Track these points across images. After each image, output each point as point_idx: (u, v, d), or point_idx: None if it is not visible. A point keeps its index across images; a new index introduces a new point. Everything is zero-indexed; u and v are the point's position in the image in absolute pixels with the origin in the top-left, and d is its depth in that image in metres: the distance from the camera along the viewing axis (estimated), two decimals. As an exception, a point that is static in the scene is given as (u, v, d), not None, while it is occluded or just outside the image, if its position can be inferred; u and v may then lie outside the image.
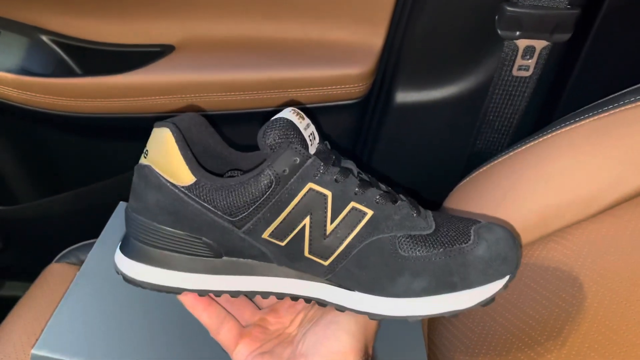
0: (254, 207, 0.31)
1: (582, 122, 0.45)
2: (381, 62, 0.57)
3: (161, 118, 0.34)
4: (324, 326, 0.33)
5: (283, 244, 0.32)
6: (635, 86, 0.44)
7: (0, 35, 0.55)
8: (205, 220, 0.31)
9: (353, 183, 0.32)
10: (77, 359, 0.37)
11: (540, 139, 0.47)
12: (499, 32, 0.52)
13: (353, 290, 0.33)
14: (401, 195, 0.34)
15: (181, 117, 0.33)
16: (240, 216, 0.31)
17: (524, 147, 0.48)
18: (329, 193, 0.31)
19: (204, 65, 0.54)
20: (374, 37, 0.55)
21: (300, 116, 0.32)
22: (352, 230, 0.31)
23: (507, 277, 0.32)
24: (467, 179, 0.53)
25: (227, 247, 0.33)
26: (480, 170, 0.52)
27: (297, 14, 0.54)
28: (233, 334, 0.35)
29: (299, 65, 0.55)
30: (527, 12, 0.50)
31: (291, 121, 0.31)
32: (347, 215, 0.31)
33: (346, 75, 0.55)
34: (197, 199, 0.31)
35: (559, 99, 0.59)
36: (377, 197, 0.32)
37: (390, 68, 0.58)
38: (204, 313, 0.35)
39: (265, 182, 0.30)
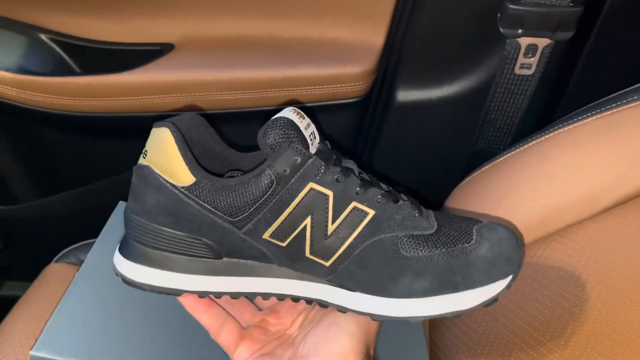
0: (254, 207, 0.30)
1: (585, 120, 0.45)
2: (382, 60, 0.57)
3: (161, 117, 0.33)
4: (325, 327, 0.33)
5: (284, 244, 0.32)
6: (638, 84, 0.44)
7: (-1, 34, 0.55)
8: (206, 221, 0.31)
9: (354, 183, 0.32)
10: (76, 360, 0.37)
11: (543, 138, 0.47)
12: (501, 30, 0.52)
13: (355, 291, 0.33)
14: (402, 195, 0.34)
15: (181, 117, 0.33)
16: (241, 217, 0.31)
17: (526, 146, 0.48)
18: (330, 193, 0.31)
19: (203, 64, 0.54)
20: (374, 35, 0.55)
21: (300, 115, 0.32)
22: (353, 231, 0.31)
23: (510, 277, 0.32)
24: (469, 178, 0.53)
25: (227, 248, 0.32)
26: (482, 169, 0.52)
27: (297, 12, 0.54)
28: (233, 335, 0.35)
29: (299, 63, 0.54)
30: (529, 10, 0.50)
31: (292, 120, 0.31)
32: (348, 215, 0.31)
33: (347, 73, 0.54)
34: (197, 200, 0.31)
35: (562, 97, 0.58)
36: (379, 196, 0.32)
37: (391, 66, 0.58)
38: (204, 315, 0.35)
39: (266, 182, 0.30)
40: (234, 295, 0.34)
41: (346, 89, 0.56)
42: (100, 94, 0.54)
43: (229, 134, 0.46)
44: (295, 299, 0.34)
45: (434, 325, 0.48)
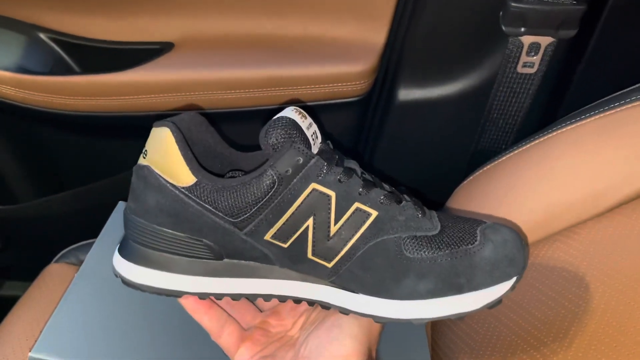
0: (256, 208, 0.30)
1: (588, 119, 0.45)
2: (383, 59, 0.56)
3: (161, 116, 0.33)
4: (327, 329, 0.33)
5: (286, 245, 0.31)
6: (641, 83, 0.44)
7: (-2, 33, 0.54)
8: (206, 221, 0.31)
9: (357, 183, 0.31)
10: (75, 362, 0.36)
11: (545, 137, 0.47)
12: (504, 28, 0.52)
13: (357, 292, 0.32)
14: (405, 196, 0.33)
15: (181, 117, 0.33)
16: (242, 217, 0.30)
17: (528, 145, 0.48)
18: (332, 193, 0.30)
19: (203, 62, 0.54)
20: (376, 34, 0.55)
21: (302, 115, 0.31)
22: (356, 232, 0.31)
23: (514, 279, 0.32)
24: (471, 177, 0.53)
25: (228, 249, 0.32)
26: (484, 168, 0.51)
27: (298, 10, 0.54)
28: (234, 337, 0.35)
29: (300, 62, 0.54)
30: (532, 8, 0.50)
31: (293, 120, 0.30)
32: (351, 216, 0.31)
33: (348, 72, 0.54)
34: (197, 200, 0.31)
35: (564, 96, 0.58)
36: (382, 197, 0.32)
37: (393, 65, 0.58)
38: (205, 316, 0.35)
39: (268, 182, 0.30)
40: (235, 297, 0.34)
41: (347, 88, 0.55)
42: (99, 93, 0.54)
43: (229, 134, 0.46)
44: (297, 301, 0.34)
45: (435, 326, 0.47)
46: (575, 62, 0.56)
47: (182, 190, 0.31)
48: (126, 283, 0.33)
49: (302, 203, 0.30)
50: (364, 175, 0.33)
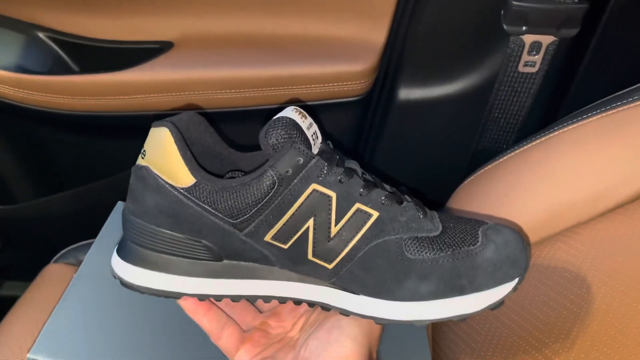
0: (256, 209, 0.30)
1: (590, 119, 0.45)
2: (384, 58, 0.56)
3: (160, 116, 0.33)
4: (327, 331, 0.33)
5: (286, 246, 0.31)
6: (644, 83, 0.44)
7: (-4, 32, 0.54)
8: (206, 222, 0.31)
9: (358, 184, 0.31)
10: (74, 364, 0.36)
11: (546, 137, 0.47)
12: (505, 27, 0.52)
13: (358, 294, 0.32)
14: (406, 196, 0.33)
15: (179, 117, 0.33)
16: (242, 218, 0.30)
17: (529, 145, 0.48)
18: (333, 194, 0.30)
19: (203, 62, 0.54)
20: (376, 33, 0.55)
21: (302, 115, 0.31)
22: (357, 233, 0.31)
23: (517, 280, 0.32)
24: (472, 177, 0.53)
25: (227, 250, 0.32)
26: (485, 168, 0.51)
27: (298, 9, 0.54)
28: (234, 338, 0.35)
29: (300, 62, 0.54)
30: (533, 7, 0.49)
31: (294, 120, 0.30)
32: (352, 216, 0.31)
33: (348, 72, 0.54)
34: (197, 201, 0.30)
35: (566, 95, 0.58)
36: (383, 198, 0.31)
37: (393, 64, 0.57)
38: (204, 318, 0.34)
39: (268, 183, 0.29)
40: (235, 298, 0.33)
41: (347, 87, 0.55)
42: (98, 92, 0.54)
43: (229, 134, 0.46)
44: (297, 302, 0.34)
45: (436, 326, 0.47)
46: (576, 61, 0.56)
47: (181, 190, 0.30)
48: (125, 285, 0.33)
49: (302, 204, 0.30)
50: (364, 176, 0.32)
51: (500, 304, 0.32)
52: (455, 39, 0.55)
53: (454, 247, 0.31)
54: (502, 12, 0.51)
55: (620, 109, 0.43)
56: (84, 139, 0.64)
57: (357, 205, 0.31)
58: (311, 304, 0.34)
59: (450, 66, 0.57)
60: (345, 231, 0.31)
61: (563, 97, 0.58)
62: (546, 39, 0.52)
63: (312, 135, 0.31)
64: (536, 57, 0.54)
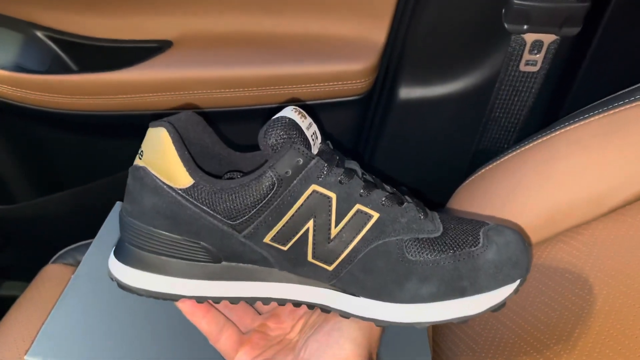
0: (255, 210, 0.30)
1: (591, 119, 0.44)
2: (384, 57, 0.56)
3: (159, 115, 0.33)
4: (327, 333, 0.32)
5: (285, 248, 0.31)
6: (646, 82, 0.43)
7: (-6, 31, 0.54)
8: (204, 224, 0.30)
9: (358, 184, 0.31)
10: (72, 365, 0.36)
11: (548, 137, 0.47)
12: (506, 25, 0.51)
13: (358, 296, 0.32)
14: (407, 197, 0.33)
15: (177, 116, 0.32)
16: (241, 220, 0.30)
17: (531, 145, 0.48)
18: (333, 195, 0.30)
19: (202, 61, 0.54)
20: (376, 32, 0.54)
21: (302, 115, 0.31)
22: (357, 234, 0.30)
23: (518, 282, 0.31)
24: (472, 177, 0.52)
25: (226, 252, 0.32)
26: (486, 168, 0.51)
27: (298, 8, 0.54)
28: (233, 341, 0.35)
29: (300, 60, 0.54)
30: (535, 5, 0.49)
31: (293, 120, 0.30)
32: (352, 218, 0.30)
33: (348, 71, 0.54)
34: (195, 202, 0.30)
35: (567, 95, 0.58)
36: (383, 199, 0.31)
37: (394, 63, 0.57)
38: (203, 320, 0.34)
39: (267, 184, 0.29)
40: (234, 301, 0.33)
41: (348, 86, 0.55)
42: (97, 92, 0.54)
43: (227, 133, 0.45)
44: (297, 304, 0.34)
45: (437, 328, 0.47)
46: (578, 60, 0.55)
47: (179, 192, 0.30)
48: (122, 287, 0.33)
49: (302, 205, 0.30)
50: (364, 176, 0.32)
51: (501, 305, 0.31)
52: (456, 37, 0.55)
53: (455, 249, 0.31)
54: (503, 10, 0.51)
55: (622, 108, 0.43)
56: (83, 139, 0.64)
57: (358, 207, 0.30)
58: (311, 306, 0.34)
59: (451, 65, 0.57)
60: (345, 232, 0.30)
61: (564, 97, 0.58)
62: (548, 38, 0.52)
63: (311, 136, 0.30)
64: (537, 56, 0.53)
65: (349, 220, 0.30)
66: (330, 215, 0.30)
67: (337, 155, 0.32)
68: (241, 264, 0.32)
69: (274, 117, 0.30)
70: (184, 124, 0.32)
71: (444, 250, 0.31)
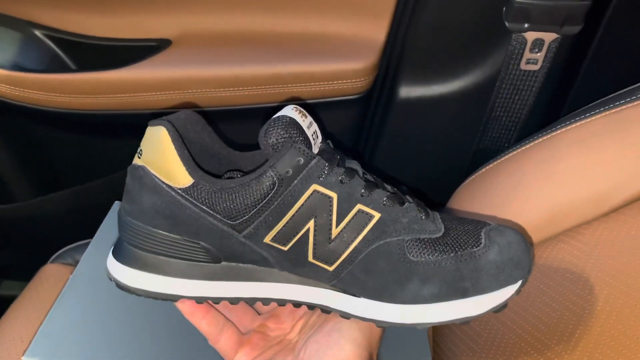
0: (255, 210, 0.29)
1: (592, 117, 0.44)
2: (384, 55, 0.56)
3: (158, 114, 0.32)
4: (327, 334, 0.32)
5: (286, 248, 0.31)
6: (648, 80, 0.43)
7: (-8, 29, 0.54)
8: (204, 224, 0.30)
9: (359, 184, 0.31)
10: (70, 366, 0.36)
11: (549, 136, 0.46)
12: (507, 24, 0.51)
13: (359, 296, 0.32)
14: (408, 197, 0.33)
15: (177, 115, 0.32)
16: (241, 220, 0.30)
17: (531, 144, 0.47)
18: (334, 195, 0.30)
19: (202, 60, 0.54)
20: (376, 30, 0.54)
21: (302, 114, 0.31)
22: (358, 234, 0.30)
23: (520, 282, 0.31)
24: (473, 176, 0.52)
25: (226, 252, 0.31)
26: (487, 167, 0.51)
27: (297, 6, 0.53)
28: (232, 341, 0.35)
29: (300, 59, 0.54)
30: (536, 3, 0.49)
31: (294, 119, 0.30)
32: (353, 218, 0.30)
33: (348, 69, 0.54)
34: (194, 202, 0.30)
35: (568, 93, 0.58)
36: (384, 199, 0.31)
37: (394, 62, 0.57)
38: (202, 321, 0.34)
39: (268, 183, 0.29)
40: (233, 301, 0.33)
41: (348, 85, 0.55)
42: (96, 91, 0.53)
43: (227, 133, 0.45)
44: (297, 305, 0.34)
45: (437, 328, 0.47)
46: (579, 58, 0.55)
47: (179, 191, 0.30)
48: (121, 287, 0.32)
49: (302, 205, 0.29)
50: (365, 176, 0.32)
51: (503, 306, 0.31)
52: (456, 36, 0.55)
53: (456, 249, 0.31)
54: (504, 9, 0.51)
55: (623, 107, 0.43)
56: (82, 138, 0.64)
57: (359, 207, 0.30)
58: (311, 307, 0.33)
59: (452, 64, 0.57)
60: (346, 233, 0.30)
61: (565, 95, 0.58)
62: (549, 37, 0.52)
63: (312, 135, 0.30)
64: (538, 54, 0.53)
65: (350, 221, 0.30)
66: (331, 215, 0.30)
67: (337, 155, 0.32)
68: (241, 264, 0.32)
69: (274, 116, 0.30)
70: (183, 122, 0.32)
71: (445, 250, 0.31)
